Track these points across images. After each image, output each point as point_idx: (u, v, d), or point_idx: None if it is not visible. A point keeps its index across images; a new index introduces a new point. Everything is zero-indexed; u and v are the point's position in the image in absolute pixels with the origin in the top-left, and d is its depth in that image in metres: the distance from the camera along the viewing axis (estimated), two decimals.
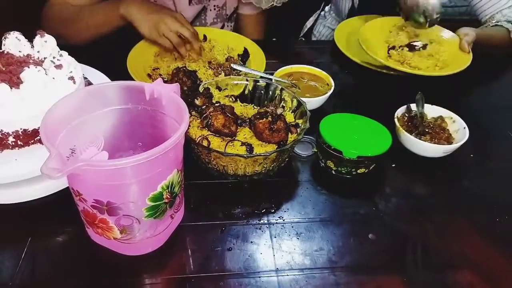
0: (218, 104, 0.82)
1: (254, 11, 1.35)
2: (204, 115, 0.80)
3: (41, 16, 1.14)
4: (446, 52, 1.12)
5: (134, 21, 1.02)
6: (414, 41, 1.14)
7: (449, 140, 0.88)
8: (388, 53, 1.14)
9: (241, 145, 0.78)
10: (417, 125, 0.89)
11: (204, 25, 1.30)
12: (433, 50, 1.13)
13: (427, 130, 0.88)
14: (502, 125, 1.03)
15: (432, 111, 0.94)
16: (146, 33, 1.03)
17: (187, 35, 1.02)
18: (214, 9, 1.29)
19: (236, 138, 0.79)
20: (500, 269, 0.69)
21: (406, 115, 0.93)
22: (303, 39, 1.67)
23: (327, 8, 1.61)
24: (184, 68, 0.98)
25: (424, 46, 1.12)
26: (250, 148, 0.78)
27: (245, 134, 0.81)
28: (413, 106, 0.93)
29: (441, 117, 0.92)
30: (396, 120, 0.89)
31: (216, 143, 0.78)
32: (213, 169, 0.79)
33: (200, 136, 0.77)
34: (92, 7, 1.10)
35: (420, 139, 0.86)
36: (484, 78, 1.22)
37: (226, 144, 0.78)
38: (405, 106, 0.93)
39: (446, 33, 1.19)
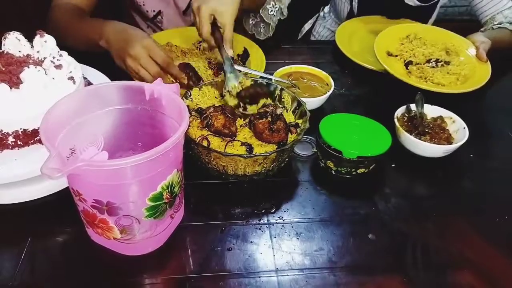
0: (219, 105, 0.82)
1: None
2: (204, 115, 0.80)
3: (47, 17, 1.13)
4: (467, 66, 1.10)
5: (111, 51, 0.95)
6: (435, 59, 1.11)
7: (449, 140, 0.88)
8: (407, 68, 1.11)
9: (241, 145, 0.78)
10: (417, 125, 0.89)
11: None
12: (454, 65, 1.10)
13: (427, 130, 0.88)
14: (502, 125, 1.03)
15: (431, 111, 0.94)
16: (117, 65, 0.94)
17: (151, 72, 0.90)
18: None
19: (236, 138, 0.79)
20: (500, 269, 0.69)
21: (406, 115, 0.93)
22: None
23: (326, 8, 1.61)
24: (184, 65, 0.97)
25: (447, 63, 1.10)
26: (250, 148, 0.78)
27: (245, 134, 0.81)
28: (413, 106, 0.93)
29: (440, 117, 0.92)
30: (396, 120, 0.89)
31: (216, 143, 0.78)
32: (213, 169, 0.79)
33: (200, 136, 0.77)
34: (79, 22, 1.05)
35: (420, 139, 0.86)
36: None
37: (226, 144, 0.78)
38: (404, 106, 0.93)
39: (460, 40, 1.16)
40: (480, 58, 1.10)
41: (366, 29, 1.32)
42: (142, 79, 0.90)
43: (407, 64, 1.11)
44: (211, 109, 0.80)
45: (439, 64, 1.10)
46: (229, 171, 0.78)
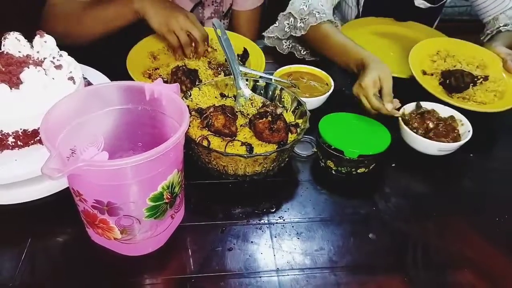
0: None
1: (248, 8, 1.35)
2: (205, 115, 0.80)
3: (41, 16, 1.13)
4: (502, 81, 1.06)
5: (147, 14, 1.03)
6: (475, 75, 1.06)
7: (456, 140, 0.88)
8: (444, 88, 1.05)
9: (241, 145, 0.78)
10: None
11: (201, 19, 1.30)
12: (490, 81, 1.06)
13: (432, 126, 0.89)
14: (502, 125, 1.03)
15: (443, 110, 0.93)
16: (156, 26, 1.03)
17: (196, 36, 1.03)
18: (212, 4, 1.30)
19: (236, 138, 0.79)
20: (500, 269, 0.69)
21: (415, 111, 0.93)
22: None
23: None
24: (184, 67, 0.97)
25: (486, 78, 1.05)
26: (250, 148, 0.78)
27: (245, 134, 0.81)
28: (423, 104, 0.93)
29: (452, 117, 0.92)
30: (402, 114, 0.90)
31: (216, 143, 0.78)
32: (213, 169, 0.79)
33: (200, 136, 0.77)
34: (100, 1, 1.09)
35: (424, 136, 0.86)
36: None
37: (226, 144, 0.78)
38: (414, 103, 0.93)
39: (487, 54, 1.12)
40: (509, 70, 1.07)
41: (368, 30, 1.31)
42: (176, 41, 1.03)
43: (444, 83, 1.05)
44: (211, 109, 0.80)
45: (478, 82, 1.05)
46: (229, 171, 0.78)
